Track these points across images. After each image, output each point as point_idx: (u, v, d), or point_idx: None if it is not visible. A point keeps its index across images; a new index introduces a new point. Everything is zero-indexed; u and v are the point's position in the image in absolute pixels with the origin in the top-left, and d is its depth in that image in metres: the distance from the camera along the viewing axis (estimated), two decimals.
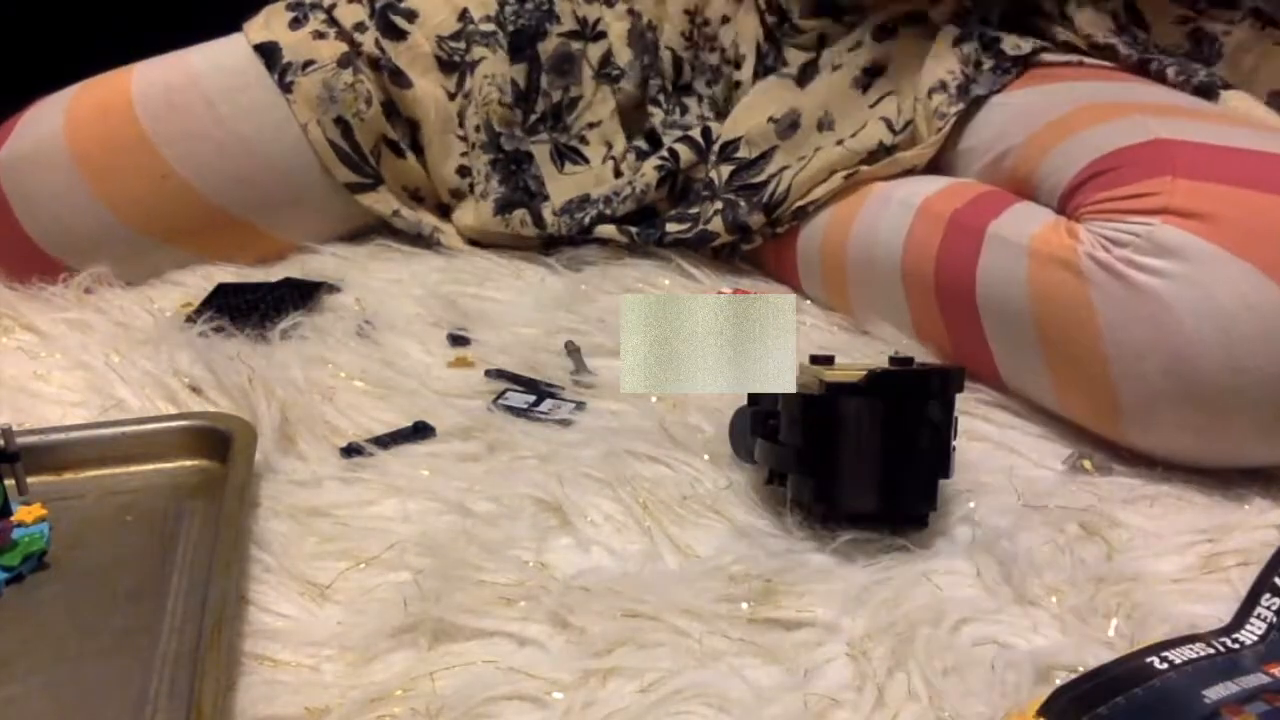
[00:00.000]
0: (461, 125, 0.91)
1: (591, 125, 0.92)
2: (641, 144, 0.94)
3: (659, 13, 0.92)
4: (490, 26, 0.91)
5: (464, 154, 0.91)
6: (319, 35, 0.89)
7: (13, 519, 0.55)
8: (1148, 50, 0.81)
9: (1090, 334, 0.61)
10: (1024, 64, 0.79)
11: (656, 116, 0.94)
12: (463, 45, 0.91)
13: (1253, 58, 0.81)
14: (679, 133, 0.92)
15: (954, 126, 0.79)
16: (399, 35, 0.90)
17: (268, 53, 0.88)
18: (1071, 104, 0.73)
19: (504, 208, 0.91)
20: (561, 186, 0.93)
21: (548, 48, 0.92)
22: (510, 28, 0.91)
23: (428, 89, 0.91)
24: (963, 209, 0.72)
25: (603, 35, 0.92)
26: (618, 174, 0.93)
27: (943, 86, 0.79)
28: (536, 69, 0.92)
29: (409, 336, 0.79)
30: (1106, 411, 0.63)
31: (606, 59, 0.92)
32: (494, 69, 0.90)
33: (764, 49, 0.91)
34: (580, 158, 0.92)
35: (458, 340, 0.78)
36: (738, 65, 0.92)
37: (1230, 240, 0.58)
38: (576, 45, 0.92)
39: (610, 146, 0.92)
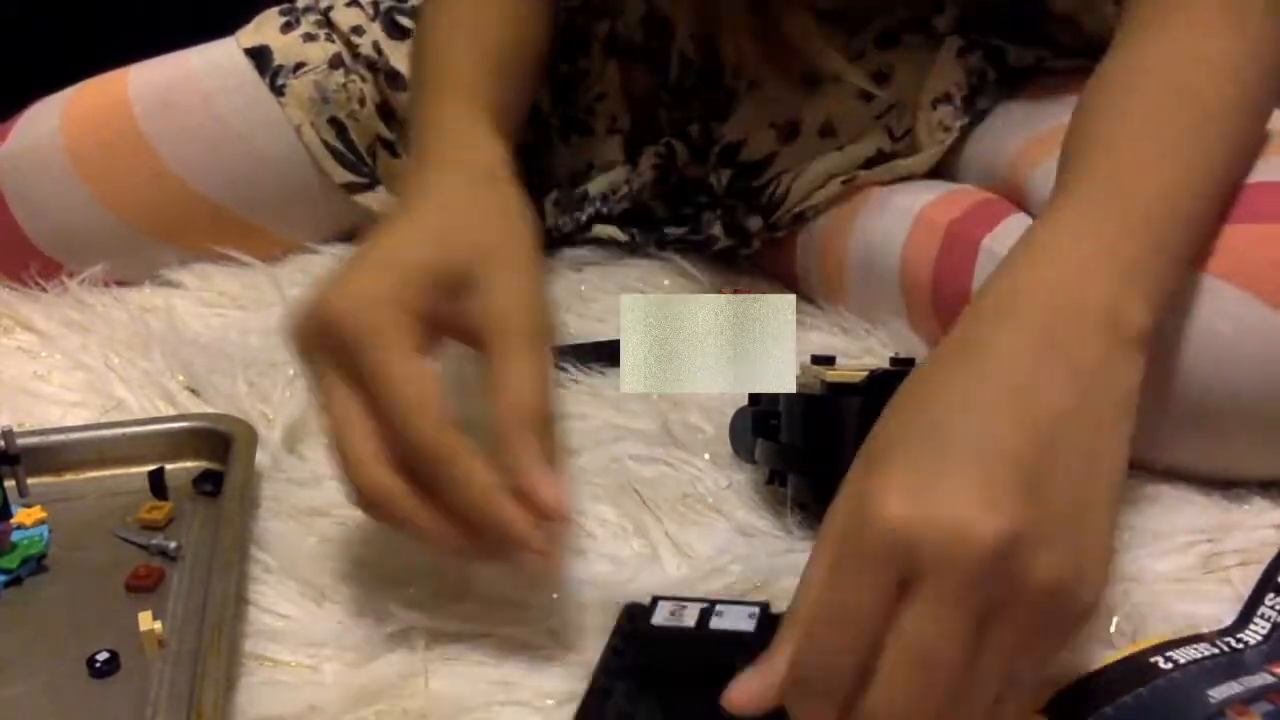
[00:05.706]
0: None
1: (599, 98, 0.92)
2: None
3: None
4: None
5: None
6: (309, 38, 0.88)
7: (12, 521, 0.55)
8: None
9: None
10: (1028, 74, 0.79)
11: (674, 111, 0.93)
12: None
13: None
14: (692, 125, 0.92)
15: None
16: (402, 34, 0.90)
17: (258, 56, 0.87)
18: (1065, 117, 0.72)
19: None
20: (566, 159, 0.92)
21: (559, 19, 0.92)
22: None
23: None
24: (959, 219, 0.71)
25: (607, 13, 0.92)
26: (624, 150, 0.92)
27: (948, 99, 0.79)
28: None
29: None
30: None
31: (613, 32, 0.91)
32: None
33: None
34: (586, 129, 0.92)
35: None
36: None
37: (1223, 268, 0.57)
38: (581, 20, 0.92)
39: (615, 119, 0.92)
